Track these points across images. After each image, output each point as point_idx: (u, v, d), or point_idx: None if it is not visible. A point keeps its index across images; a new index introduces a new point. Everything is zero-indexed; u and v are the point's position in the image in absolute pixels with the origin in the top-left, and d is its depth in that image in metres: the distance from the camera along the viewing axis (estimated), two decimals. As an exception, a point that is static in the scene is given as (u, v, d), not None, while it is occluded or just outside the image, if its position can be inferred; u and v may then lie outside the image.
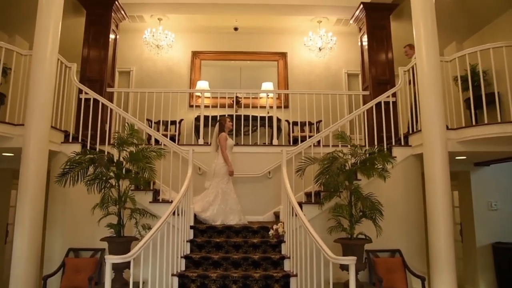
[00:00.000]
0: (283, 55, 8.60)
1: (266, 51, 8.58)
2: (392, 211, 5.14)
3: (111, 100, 6.72)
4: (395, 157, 5.41)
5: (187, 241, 4.81)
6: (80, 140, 5.55)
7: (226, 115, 6.29)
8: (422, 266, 5.34)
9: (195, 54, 8.56)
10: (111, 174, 4.51)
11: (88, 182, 4.36)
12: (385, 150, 5.38)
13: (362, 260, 4.64)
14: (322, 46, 7.96)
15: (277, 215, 5.74)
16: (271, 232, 4.89)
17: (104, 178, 4.40)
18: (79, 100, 5.95)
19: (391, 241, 5.24)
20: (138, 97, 6.90)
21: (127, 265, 3.83)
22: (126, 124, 4.76)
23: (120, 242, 4.37)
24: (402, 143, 5.70)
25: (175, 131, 7.31)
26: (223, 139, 5.67)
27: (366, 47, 7.20)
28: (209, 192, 5.56)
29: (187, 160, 5.38)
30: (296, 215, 4.46)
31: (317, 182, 4.73)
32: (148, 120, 7.10)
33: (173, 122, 7.53)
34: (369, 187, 5.07)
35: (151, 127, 7.06)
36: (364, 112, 5.79)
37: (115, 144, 4.55)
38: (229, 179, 5.63)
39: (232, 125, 6.22)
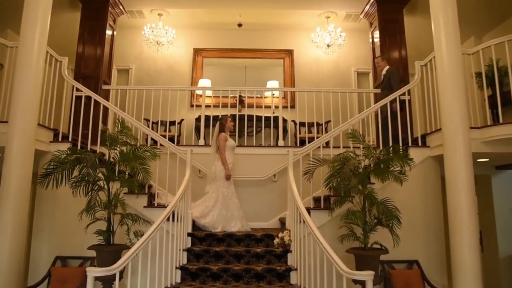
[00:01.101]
0: (289, 52, 8.20)
1: (271, 48, 8.20)
2: (408, 218, 4.66)
3: (107, 99, 6.34)
4: (412, 159, 4.93)
5: (183, 250, 4.37)
6: (70, 140, 5.15)
7: (229, 115, 5.88)
8: (442, 278, 4.87)
9: (197, 52, 8.19)
10: (100, 175, 4.09)
11: (74, 184, 3.94)
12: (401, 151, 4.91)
13: (378, 272, 4.17)
14: (331, 43, 7.56)
15: (282, 222, 5.30)
16: (276, 240, 4.45)
17: (92, 180, 3.98)
18: (73, 97, 5.58)
19: (408, 251, 4.77)
20: (136, 95, 6.49)
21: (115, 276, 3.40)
22: (117, 121, 4.34)
23: (110, 251, 3.94)
24: (419, 144, 5.23)
25: (176, 132, 6.90)
26: (223, 140, 5.25)
27: (378, 43, 6.77)
28: (209, 196, 5.14)
29: (186, 162, 4.97)
30: (303, 222, 4.02)
31: (327, 186, 4.29)
32: (146, 120, 6.72)
33: (174, 123, 7.14)
34: (383, 192, 4.61)
35: (150, 128, 6.71)
36: (378, 110, 5.33)
37: (105, 142, 4.12)
38: (231, 183, 5.20)
39: (234, 126, 5.80)
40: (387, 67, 5.91)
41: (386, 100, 5.30)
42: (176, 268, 4.11)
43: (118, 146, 4.21)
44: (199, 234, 4.65)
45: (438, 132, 4.89)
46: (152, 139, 5.63)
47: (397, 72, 5.77)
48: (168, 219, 4.15)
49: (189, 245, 4.59)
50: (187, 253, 4.39)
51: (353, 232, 4.27)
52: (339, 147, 5.27)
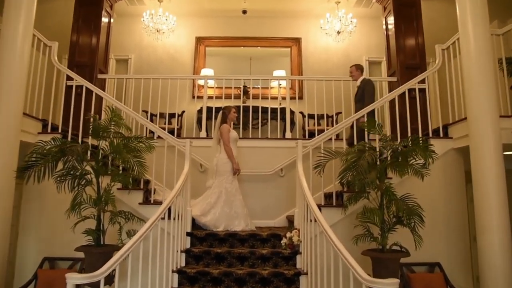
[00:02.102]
0: (297, 41, 7.74)
1: (278, 36, 7.75)
2: (429, 216, 4.15)
3: (103, 89, 5.94)
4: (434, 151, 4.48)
5: (181, 251, 3.97)
6: (60, 131, 4.76)
7: (233, 106, 5.46)
8: (467, 282, 4.43)
9: (199, 40, 7.76)
10: (89, 169, 3.69)
11: (59, 179, 3.54)
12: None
13: (397, 277, 3.73)
14: (341, 29, 7.09)
15: (290, 220, 4.88)
16: (283, 241, 4.04)
17: (78, 173, 3.58)
18: (66, 87, 5.20)
19: (429, 253, 4.32)
20: (133, 85, 6.08)
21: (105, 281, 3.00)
22: (107, 108, 3.94)
23: (99, 253, 3.55)
24: (441, 135, 4.77)
25: (176, 124, 6.49)
26: (226, 131, 4.84)
27: (393, 28, 6.28)
28: (210, 192, 4.73)
29: (185, 155, 4.56)
30: (314, 220, 3.59)
31: (341, 180, 3.85)
32: (144, 111, 6.31)
33: (175, 115, 6.73)
34: (401, 188, 4.17)
35: (151, 120, 6.32)
36: (396, 99, 4.86)
37: (94, 132, 3.72)
38: (234, 178, 4.79)
39: (238, 118, 5.37)
40: (362, 77, 5.36)
41: (405, 87, 4.82)
42: (173, 271, 3.71)
43: (111, 136, 3.79)
44: (199, 234, 4.25)
45: (462, 121, 4.44)
46: (150, 131, 5.22)
47: (372, 84, 5.19)
48: (164, 217, 3.78)
49: (188, 245, 4.19)
50: (186, 254, 3.99)
51: (370, 232, 3.84)
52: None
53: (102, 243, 3.79)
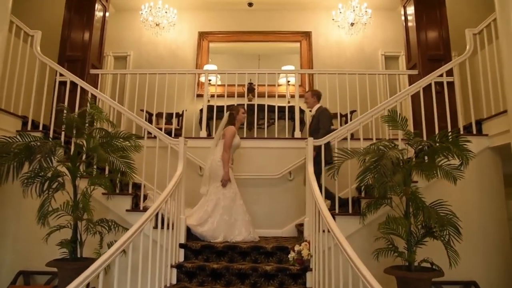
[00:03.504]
0: (307, 34, 7.18)
1: (286, 30, 7.20)
2: (462, 227, 3.56)
3: (95, 85, 5.45)
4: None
5: (172, 266, 3.41)
6: (42, 129, 4.27)
7: (242, 105, 4.93)
8: (507, 305, 3.77)
9: (202, 35, 7.26)
10: (64, 170, 3.18)
11: (26, 181, 3.02)
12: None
13: (428, 300, 3.12)
14: (355, 21, 6.51)
15: (300, 230, 4.28)
16: (291, 255, 3.45)
17: (49, 176, 3.06)
18: (56, 83, 4.73)
19: (463, 269, 3.62)
20: (128, 81, 5.60)
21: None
22: (88, 99, 3.43)
23: (72, 269, 3.01)
24: (474, 132, 4.15)
25: (174, 124, 5.96)
26: (230, 134, 4.30)
27: (413, 17, 5.69)
28: (206, 200, 4.18)
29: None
30: (328, 231, 3.00)
31: (360, 184, 3.26)
32: (143, 111, 5.80)
33: (176, 115, 6.21)
34: (427, 193, 3.55)
35: (150, 122, 5.81)
36: (421, 91, 4.25)
37: (68, 128, 3.20)
38: (233, 181, 4.24)
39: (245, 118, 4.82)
40: (318, 105, 4.72)
41: (433, 76, 4.21)
42: (160, 291, 3.15)
43: (87, 133, 3.27)
44: (193, 246, 3.68)
45: (500, 115, 3.82)
46: (147, 131, 4.70)
47: (328, 113, 4.56)
48: (156, 226, 3.26)
49: (181, 259, 3.63)
50: (177, 270, 3.42)
51: (394, 246, 3.24)
52: (370, 138, 4.26)
53: (80, 256, 3.26)
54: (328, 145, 4.15)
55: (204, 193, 4.23)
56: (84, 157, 3.58)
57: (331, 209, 3.91)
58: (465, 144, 3.14)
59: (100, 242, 3.30)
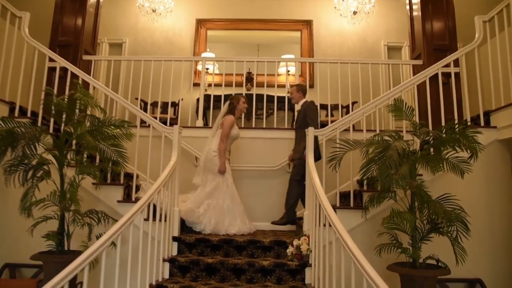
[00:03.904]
0: (308, 23, 6.96)
1: (286, 18, 6.97)
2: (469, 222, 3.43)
3: (88, 72, 5.25)
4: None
5: (164, 260, 3.25)
6: (30, 115, 4.08)
7: (243, 94, 4.75)
8: (513, 304, 3.63)
9: (200, 23, 7.03)
10: (50, 158, 3.00)
11: (9, 169, 2.84)
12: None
13: (433, 299, 2.97)
14: (358, 9, 6.31)
15: (299, 224, 4.12)
16: (290, 250, 3.29)
17: (34, 164, 2.88)
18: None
19: (468, 266, 3.46)
20: (123, 69, 5.40)
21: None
22: (80, 84, 3.24)
23: (57, 262, 2.84)
24: (482, 123, 3.98)
25: (169, 114, 5.76)
26: (228, 124, 4.13)
27: (419, 5, 5.48)
28: (202, 189, 4.02)
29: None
30: (329, 225, 2.83)
31: (364, 176, 3.09)
32: (141, 100, 5.60)
33: (172, 104, 6.02)
34: (432, 187, 3.39)
35: (146, 111, 5.62)
36: (427, 81, 4.07)
37: (56, 113, 3.01)
38: (228, 172, 4.09)
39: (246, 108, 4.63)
40: (303, 100, 4.44)
41: (440, 65, 4.02)
42: (151, 286, 2.98)
43: (75, 119, 3.09)
44: (187, 239, 3.52)
45: (510, 107, 3.66)
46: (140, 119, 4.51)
47: (315, 108, 4.29)
48: (147, 218, 3.10)
49: (174, 252, 3.47)
50: (170, 265, 3.26)
51: (398, 242, 3.08)
52: (373, 130, 4.09)
53: (67, 249, 3.09)
54: (316, 141, 3.97)
55: (198, 183, 4.07)
56: (74, 145, 3.42)
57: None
58: (475, 136, 2.97)
59: (89, 234, 3.14)
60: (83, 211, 3.23)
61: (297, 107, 4.52)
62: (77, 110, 3.40)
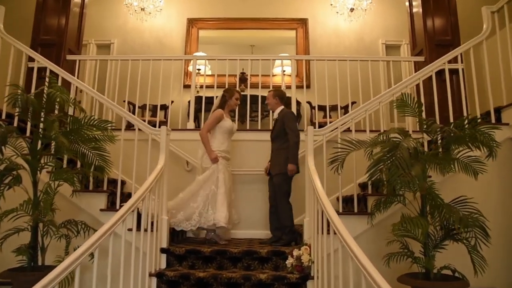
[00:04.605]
0: (303, 22, 6.73)
1: (281, 17, 6.75)
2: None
3: (72, 72, 4.94)
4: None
5: (151, 275, 2.93)
6: (5, 117, 3.76)
7: (238, 88, 4.48)
8: (532, 316, 3.35)
9: (191, 22, 6.77)
10: (21, 162, 2.69)
11: (-28, 175, 2.53)
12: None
13: (449, 313, 2.68)
14: (355, 6, 6.08)
15: (299, 232, 3.82)
16: (289, 261, 2.99)
17: (1, 169, 2.56)
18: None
19: (483, 275, 3.24)
20: (110, 70, 5.10)
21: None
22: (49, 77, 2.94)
23: (29, 280, 2.51)
24: (493, 120, 3.72)
25: (158, 117, 5.46)
26: (214, 116, 3.86)
27: (419, 5, 5.26)
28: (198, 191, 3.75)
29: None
30: (334, 233, 2.54)
31: (371, 178, 2.81)
32: (126, 102, 5.29)
33: (162, 107, 5.71)
34: (442, 189, 3.11)
35: (134, 113, 5.33)
36: (433, 76, 3.81)
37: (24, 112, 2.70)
38: (223, 169, 3.79)
39: (239, 104, 4.33)
40: (281, 108, 4.04)
41: (446, 58, 3.77)
42: (136, 305, 2.67)
43: (49, 119, 2.78)
44: (177, 251, 3.20)
45: (524, 102, 3.40)
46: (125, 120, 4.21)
47: (293, 117, 3.96)
48: (131, 228, 2.79)
49: (162, 266, 3.15)
50: (157, 279, 2.95)
51: (409, 250, 2.80)
52: (376, 130, 3.82)
53: (41, 264, 2.77)
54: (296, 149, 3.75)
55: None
56: (52, 148, 3.12)
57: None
58: (492, 132, 2.70)
59: (66, 247, 2.82)
60: (61, 221, 2.92)
61: (274, 115, 4.12)
62: (56, 111, 3.13)
